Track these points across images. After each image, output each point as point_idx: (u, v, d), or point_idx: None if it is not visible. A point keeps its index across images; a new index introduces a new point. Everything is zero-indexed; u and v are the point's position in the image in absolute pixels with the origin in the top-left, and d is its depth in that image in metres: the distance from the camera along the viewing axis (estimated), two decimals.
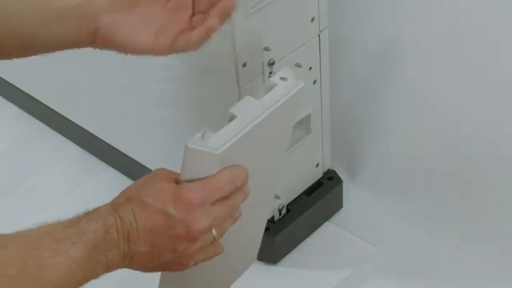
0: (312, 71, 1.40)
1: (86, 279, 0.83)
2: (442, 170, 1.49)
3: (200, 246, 0.88)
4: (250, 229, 1.05)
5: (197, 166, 0.89)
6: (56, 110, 1.76)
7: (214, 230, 0.89)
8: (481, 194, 1.45)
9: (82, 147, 1.76)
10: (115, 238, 0.84)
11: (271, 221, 1.47)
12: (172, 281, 0.98)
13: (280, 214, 1.47)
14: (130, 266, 0.87)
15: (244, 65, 1.27)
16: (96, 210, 0.85)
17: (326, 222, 1.55)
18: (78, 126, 1.72)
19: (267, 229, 1.47)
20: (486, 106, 1.39)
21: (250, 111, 0.92)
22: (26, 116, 1.86)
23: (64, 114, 1.75)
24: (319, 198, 1.51)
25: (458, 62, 1.40)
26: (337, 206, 1.57)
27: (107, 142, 1.67)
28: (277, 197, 1.45)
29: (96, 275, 0.84)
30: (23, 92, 1.83)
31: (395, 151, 1.54)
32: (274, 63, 1.31)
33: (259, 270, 1.49)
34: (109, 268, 0.85)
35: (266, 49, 1.29)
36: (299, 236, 1.52)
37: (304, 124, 1.44)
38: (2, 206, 1.65)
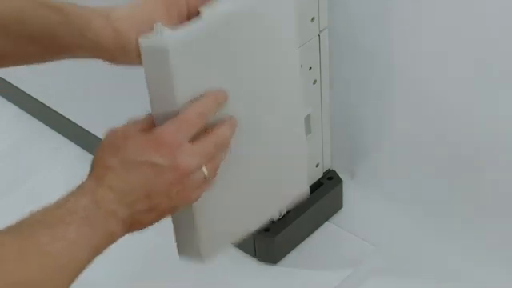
0: (312, 71, 1.40)
1: (90, 257, 0.82)
2: (442, 170, 1.49)
3: (192, 187, 0.87)
4: (282, 150, 0.97)
5: (155, 76, 0.84)
6: (56, 110, 1.76)
7: (204, 168, 0.87)
8: (481, 193, 1.45)
9: (82, 147, 1.76)
10: (109, 209, 0.83)
11: (271, 221, 1.47)
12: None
13: (280, 214, 1.47)
14: (132, 229, 0.86)
15: None
16: (80, 188, 0.85)
17: (326, 222, 1.55)
18: (78, 125, 1.72)
19: (267, 229, 1.47)
20: (487, 106, 1.39)
21: (223, 7, 0.85)
22: (26, 116, 1.86)
23: (64, 114, 1.75)
24: (319, 198, 1.51)
25: (458, 61, 1.40)
26: (337, 206, 1.57)
27: None
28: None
29: (100, 250, 0.83)
30: (23, 92, 1.83)
31: (395, 151, 1.54)
32: None
33: (259, 269, 1.49)
34: (111, 240, 0.84)
35: None
36: (299, 236, 1.52)
37: (304, 124, 1.44)
38: (1, 206, 1.65)
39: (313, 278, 1.47)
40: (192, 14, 0.95)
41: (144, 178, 0.84)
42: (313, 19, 1.35)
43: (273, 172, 0.97)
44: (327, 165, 1.54)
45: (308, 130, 1.46)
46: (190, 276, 1.42)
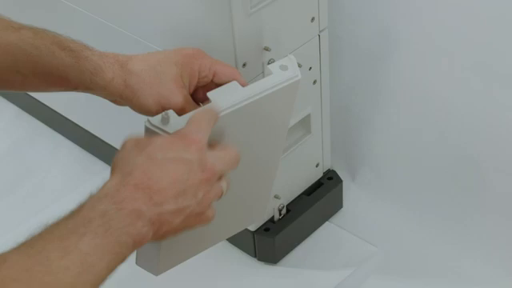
0: (312, 71, 1.40)
1: (112, 265, 0.77)
2: (442, 169, 1.49)
3: (214, 192, 0.85)
4: (252, 188, 1.01)
5: None
6: (56, 110, 1.76)
7: (223, 181, 0.86)
8: (481, 193, 1.45)
9: (82, 147, 1.76)
10: (134, 209, 0.78)
11: (271, 221, 1.47)
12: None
13: (280, 214, 1.47)
14: (160, 231, 0.81)
15: (244, 65, 1.27)
16: (100, 191, 0.80)
17: (326, 222, 1.55)
18: (77, 126, 1.72)
19: (267, 229, 1.47)
20: (487, 106, 1.39)
21: (227, 98, 0.88)
22: (25, 116, 1.86)
23: (64, 114, 1.75)
24: (319, 198, 1.52)
25: (458, 61, 1.40)
26: (337, 206, 1.57)
27: (107, 142, 1.67)
28: (277, 197, 1.45)
29: (123, 257, 0.78)
30: (23, 92, 1.83)
31: (395, 151, 1.55)
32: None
33: (259, 270, 1.49)
34: (136, 244, 0.79)
35: (266, 49, 1.29)
36: (299, 236, 1.52)
37: (304, 124, 1.44)
38: (1, 206, 1.65)
39: (313, 278, 1.47)
40: (202, 79, 1.00)
41: (174, 174, 0.81)
42: (313, 19, 1.35)
43: (240, 202, 1.00)
44: (327, 165, 1.54)
45: (308, 130, 1.46)
46: (190, 276, 1.42)
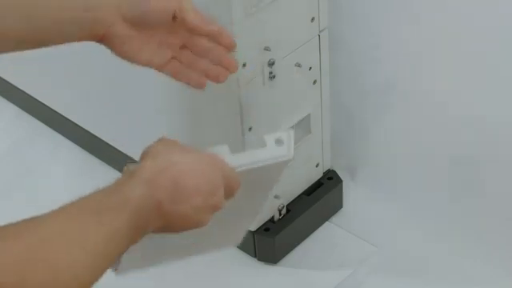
0: (312, 71, 1.40)
1: (126, 246, 0.82)
2: (442, 169, 1.49)
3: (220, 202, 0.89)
4: (236, 219, 1.04)
5: None
6: (56, 110, 1.76)
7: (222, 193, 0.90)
8: (481, 193, 1.45)
9: (82, 147, 1.76)
10: (160, 199, 0.83)
11: (271, 221, 1.47)
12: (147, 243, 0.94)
13: (280, 214, 1.47)
14: (160, 227, 0.85)
15: (244, 65, 1.27)
16: (141, 173, 0.84)
17: (326, 222, 1.55)
18: (77, 125, 1.72)
19: (267, 229, 1.47)
20: (487, 106, 1.39)
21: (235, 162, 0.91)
22: (25, 116, 1.86)
23: (64, 114, 1.75)
24: (319, 198, 1.52)
25: (458, 61, 1.40)
26: (337, 206, 1.57)
27: (107, 141, 1.67)
28: (277, 197, 1.45)
29: (135, 241, 0.83)
30: (23, 92, 1.83)
31: (395, 151, 1.55)
32: (274, 63, 1.31)
33: (259, 270, 1.49)
34: (145, 232, 0.84)
35: (266, 49, 1.29)
36: (299, 236, 1.52)
37: (304, 124, 1.44)
38: (1, 206, 1.65)
39: (313, 278, 1.47)
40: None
41: (199, 186, 0.85)
42: (313, 19, 1.35)
43: (223, 225, 1.01)
44: (327, 165, 1.54)
45: (308, 130, 1.46)
46: (190, 276, 1.42)
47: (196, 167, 0.86)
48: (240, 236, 1.08)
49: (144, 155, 0.88)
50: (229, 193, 0.89)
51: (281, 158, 0.93)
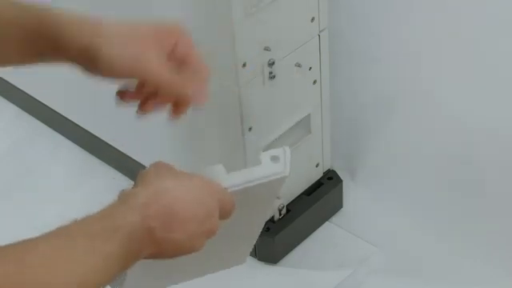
0: (312, 71, 1.40)
1: (118, 272, 0.82)
2: (442, 170, 1.49)
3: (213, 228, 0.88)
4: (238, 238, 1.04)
5: None
6: (56, 110, 1.76)
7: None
8: (481, 193, 1.45)
9: (82, 147, 1.76)
10: (153, 226, 0.81)
11: (271, 221, 1.47)
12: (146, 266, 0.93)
13: (280, 214, 1.47)
14: (153, 253, 0.84)
15: (244, 65, 1.27)
16: (132, 200, 0.83)
17: (326, 222, 1.55)
18: (78, 125, 1.72)
19: (267, 229, 1.47)
20: (486, 106, 1.39)
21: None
22: (25, 116, 1.86)
23: (64, 114, 1.75)
24: (319, 198, 1.52)
25: (458, 61, 1.40)
26: (337, 206, 1.57)
27: (107, 142, 1.67)
28: (277, 197, 1.45)
29: (126, 266, 0.82)
30: (23, 92, 1.83)
31: (395, 151, 1.54)
32: (274, 63, 1.31)
33: (259, 270, 1.49)
34: (137, 258, 0.83)
35: (266, 49, 1.29)
36: (299, 236, 1.52)
37: (304, 124, 1.44)
38: (1, 206, 1.65)
39: (313, 278, 1.47)
40: (174, 56, 0.92)
41: (195, 212, 0.84)
42: (313, 19, 1.35)
43: (224, 245, 1.01)
44: (327, 165, 1.54)
45: (308, 130, 1.46)
46: None
47: (189, 194, 0.85)
48: (246, 254, 1.08)
49: (138, 180, 0.87)
50: (224, 215, 0.88)
51: (277, 175, 0.92)
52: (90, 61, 0.92)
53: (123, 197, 0.84)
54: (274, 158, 0.93)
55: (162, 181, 0.85)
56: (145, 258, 0.85)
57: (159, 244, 0.83)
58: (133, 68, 0.92)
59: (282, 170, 0.93)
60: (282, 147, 0.94)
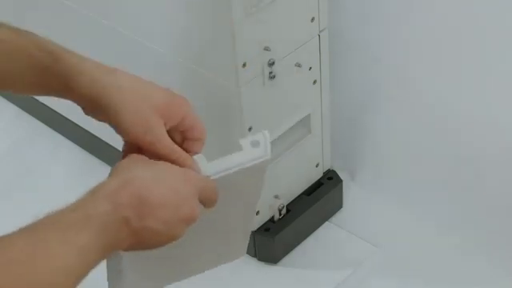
0: (312, 71, 1.40)
1: (96, 262, 0.81)
2: (442, 169, 1.49)
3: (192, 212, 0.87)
4: (232, 226, 1.03)
5: None
6: (56, 110, 1.76)
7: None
8: (481, 194, 1.45)
9: (82, 147, 1.76)
10: (125, 216, 0.82)
11: (271, 221, 1.47)
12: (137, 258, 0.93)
13: (280, 214, 1.47)
14: (133, 244, 0.85)
15: (244, 65, 1.27)
16: (102, 190, 0.84)
17: (326, 222, 1.55)
18: (78, 126, 1.72)
19: (267, 229, 1.47)
20: (486, 106, 1.39)
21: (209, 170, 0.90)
22: (25, 116, 1.86)
23: (64, 114, 1.75)
24: (319, 198, 1.52)
25: (458, 61, 1.40)
26: (337, 205, 1.57)
27: (107, 142, 1.67)
28: (277, 197, 1.45)
29: (104, 257, 0.83)
30: None
31: (395, 151, 1.55)
32: (274, 63, 1.31)
33: (259, 270, 1.49)
34: (115, 248, 0.83)
35: (266, 49, 1.29)
36: (299, 236, 1.52)
37: (304, 124, 1.44)
38: (1, 206, 1.65)
39: (313, 278, 1.47)
40: (178, 127, 0.94)
41: (168, 199, 0.84)
42: (313, 19, 1.35)
43: (218, 238, 1.00)
44: (327, 165, 1.54)
45: (308, 130, 1.46)
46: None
47: (160, 181, 0.85)
48: (243, 246, 1.07)
49: (111, 171, 0.88)
50: (207, 203, 0.88)
51: (258, 159, 0.92)
52: (100, 111, 0.97)
53: (94, 187, 0.85)
54: (255, 143, 0.92)
55: (132, 169, 0.86)
56: (127, 249, 0.85)
57: (136, 233, 0.83)
58: (141, 139, 0.95)
59: (263, 154, 0.92)
60: (261, 131, 0.94)
